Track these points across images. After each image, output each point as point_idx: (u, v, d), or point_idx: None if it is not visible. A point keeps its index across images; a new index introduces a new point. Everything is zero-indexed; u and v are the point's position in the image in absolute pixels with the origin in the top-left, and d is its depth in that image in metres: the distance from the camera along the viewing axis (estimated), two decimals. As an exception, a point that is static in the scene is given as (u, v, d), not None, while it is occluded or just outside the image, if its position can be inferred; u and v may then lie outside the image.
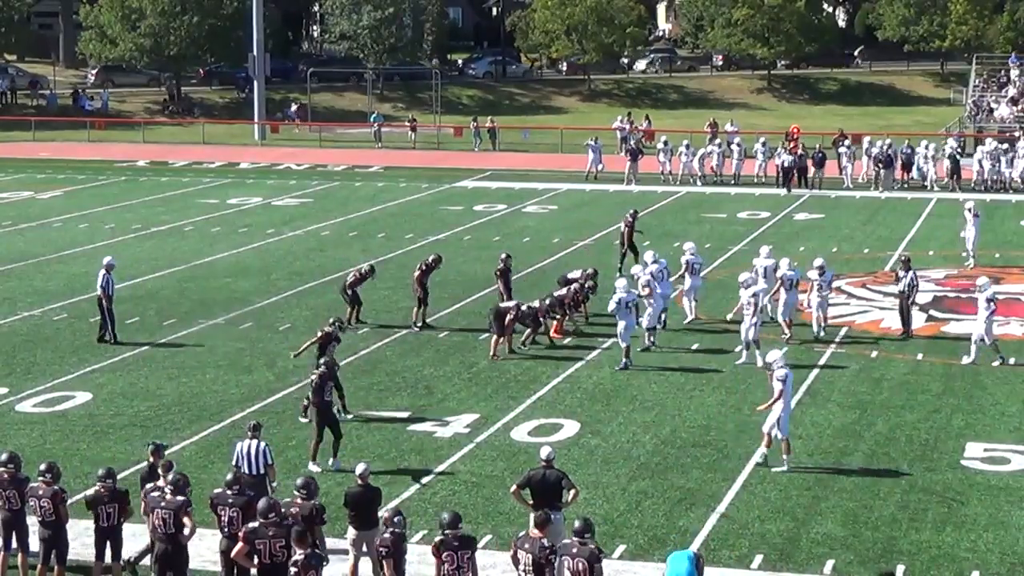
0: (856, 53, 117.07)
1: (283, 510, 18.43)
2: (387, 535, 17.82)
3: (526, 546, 17.69)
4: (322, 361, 26.01)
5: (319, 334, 28.72)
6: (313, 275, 42.38)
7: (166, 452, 21.16)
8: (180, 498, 18.85)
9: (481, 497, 23.77)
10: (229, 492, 19.16)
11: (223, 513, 19.07)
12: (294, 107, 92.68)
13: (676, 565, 17.51)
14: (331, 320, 29.64)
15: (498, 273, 36.65)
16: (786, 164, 61.49)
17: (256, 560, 18.02)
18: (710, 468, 25.26)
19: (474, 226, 52.17)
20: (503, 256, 37.43)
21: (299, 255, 46.08)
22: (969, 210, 43.96)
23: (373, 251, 45.88)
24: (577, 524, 17.45)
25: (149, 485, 19.58)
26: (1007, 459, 25.72)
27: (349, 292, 35.99)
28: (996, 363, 32.18)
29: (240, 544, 17.99)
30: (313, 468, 24.40)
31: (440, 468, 25.28)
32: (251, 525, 18.18)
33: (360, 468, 20.40)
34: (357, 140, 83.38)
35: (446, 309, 36.68)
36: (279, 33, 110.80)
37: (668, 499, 23.50)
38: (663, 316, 34.67)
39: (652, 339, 33.39)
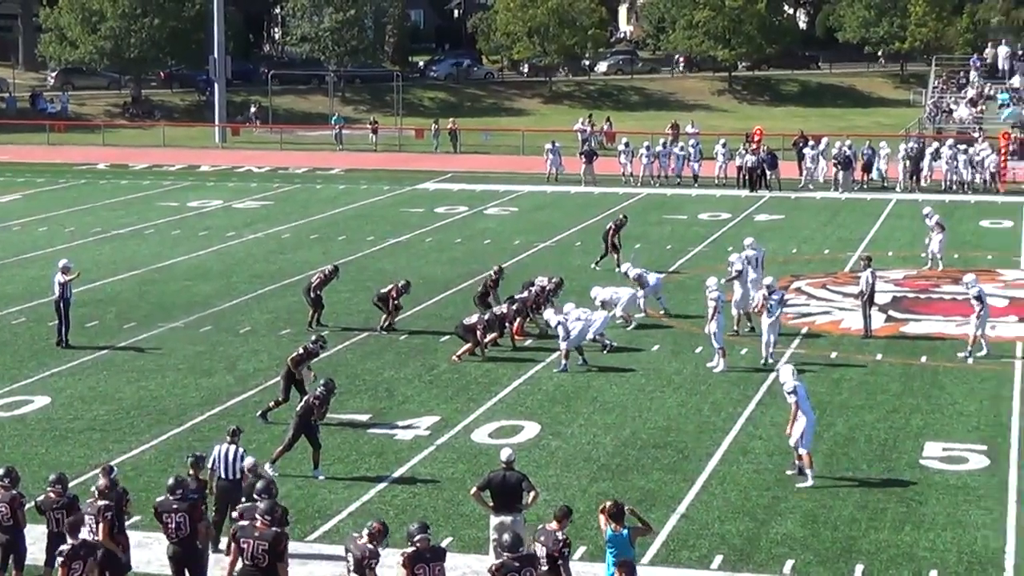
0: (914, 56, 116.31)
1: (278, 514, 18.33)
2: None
3: (541, 539, 17.92)
4: (323, 382, 25.77)
5: (300, 350, 28.49)
6: (274, 278, 42.30)
7: (114, 465, 21.11)
8: (102, 502, 18.87)
9: (442, 499, 23.76)
10: (172, 498, 19.09)
11: (169, 520, 19.02)
12: (252, 108, 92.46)
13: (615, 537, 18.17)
14: (314, 338, 29.49)
15: (490, 284, 36.24)
16: (749, 164, 61.73)
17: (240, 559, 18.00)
18: (670, 469, 25.30)
19: (435, 228, 52.15)
20: (496, 269, 37.02)
21: (259, 258, 45.99)
22: (927, 216, 44.00)
23: (334, 254, 45.80)
24: (506, 538, 17.41)
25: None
26: (965, 458, 25.84)
27: (313, 294, 35.91)
28: (962, 355, 32.50)
29: (233, 545, 18.01)
30: (269, 470, 24.33)
31: (401, 471, 25.26)
32: (240, 523, 18.20)
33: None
34: (318, 142, 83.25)
35: (407, 312, 36.60)
36: (240, 36, 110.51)
37: (628, 500, 23.34)
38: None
39: (606, 341, 33.49)
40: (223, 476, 21.30)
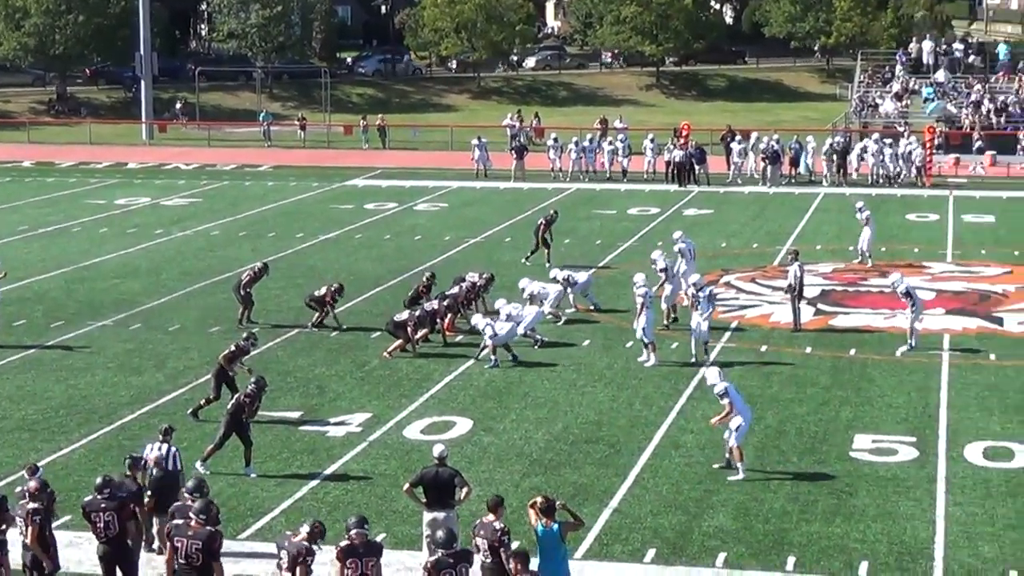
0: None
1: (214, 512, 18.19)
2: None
3: (481, 532, 17.96)
4: (253, 379, 25.62)
5: (232, 348, 28.38)
6: (203, 275, 42.07)
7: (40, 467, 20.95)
8: (31, 505, 18.71)
9: (374, 496, 23.72)
10: (100, 497, 18.98)
11: (97, 519, 18.91)
12: (178, 105, 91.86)
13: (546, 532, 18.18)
14: (245, 335, 29.39)
15: (422, 289, 35.80)
16: (678, 159, 61.94)
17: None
18: (602, 464, 25.36)
19: (365, 224, 52.04)
20: (428, 275, 36.70)
21: (188, 255, 45.74)
22: (860, 209, 43.99)
23: (263, 251, 45.62)
24: (440, 535, 17.39)
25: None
26: (894, 450, 26.02)
27: (243, 292, 35.76)
28: (903, 348, 32.75)
29: (168, 544, 17.89)
30: (201, 468, 24.24)
31: (333, 467, 25.20)
32: (174, 522, 18.09)
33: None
34: (246, 139, 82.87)
35: (337, 308, 36.47)
36: (166, 32, 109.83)
37: (561, 495, 23.39)
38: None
39: (536, 337, 33.58)
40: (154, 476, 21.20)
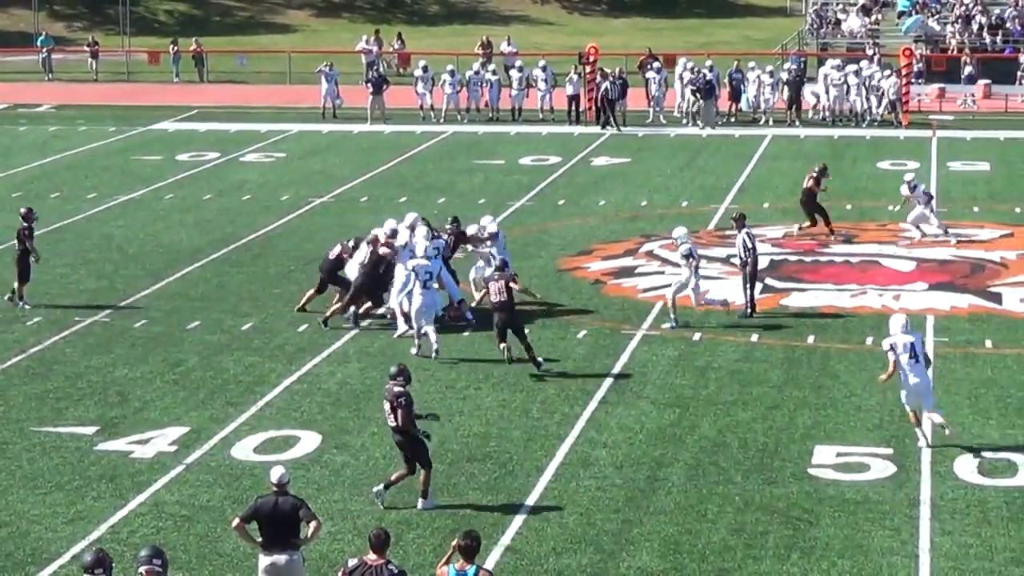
0: None
1: None
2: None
3: None
4: (392, 370, 25.26)
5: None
6: (-36, 250, 41.73)
7: None
8: None
9: (194, 534, 23.61)
10: None
11: None
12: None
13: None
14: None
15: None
16: (604, 91, 61.61)
17: None
18: (491, 489, 25.38)
19: (177, 181, 51.79)
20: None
21: (-56, 224, 45.36)
22: (908, 182, 43.09)
23: (44, 218, 45.26)
24: None
25: None
26: (865, 465, 26.20)
27: (327, 275, 34.62)
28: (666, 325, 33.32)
29: None
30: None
31: (140, 499, 25.06)
32: None
33: None
34: (19, 70, 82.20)
35: (143, 291, 36.28)
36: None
37: (437, 530, 23.57)
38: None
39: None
40: None
